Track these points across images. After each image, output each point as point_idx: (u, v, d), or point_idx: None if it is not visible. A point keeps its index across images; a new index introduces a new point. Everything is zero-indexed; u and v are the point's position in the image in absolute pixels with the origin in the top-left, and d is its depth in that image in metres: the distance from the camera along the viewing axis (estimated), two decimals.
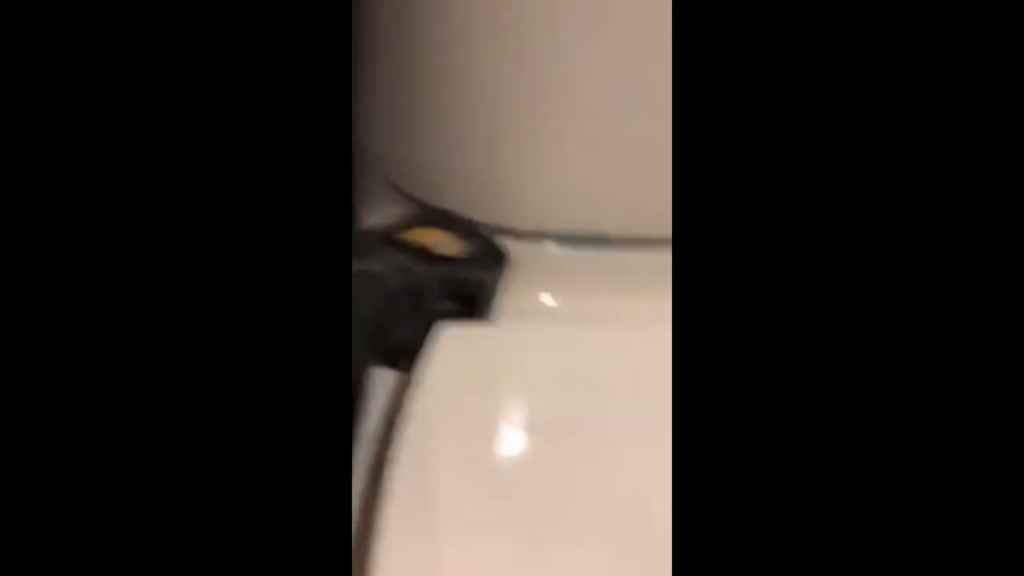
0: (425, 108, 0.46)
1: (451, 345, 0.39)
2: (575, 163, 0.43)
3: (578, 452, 0.36)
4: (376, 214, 0.53)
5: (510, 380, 0.41)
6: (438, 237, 0.42)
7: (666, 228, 0.38)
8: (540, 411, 0.39)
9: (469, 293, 0.41)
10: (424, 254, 0.41)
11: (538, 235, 0.45)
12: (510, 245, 0.44)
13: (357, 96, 0.44)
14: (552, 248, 0.45)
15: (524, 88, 0.42)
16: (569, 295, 0.45)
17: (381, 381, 0.41)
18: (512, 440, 0.39)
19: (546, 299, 0.45)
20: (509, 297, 0.43)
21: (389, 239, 0.42)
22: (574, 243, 0.45)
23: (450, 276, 0.40)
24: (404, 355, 0.39)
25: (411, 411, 0.37)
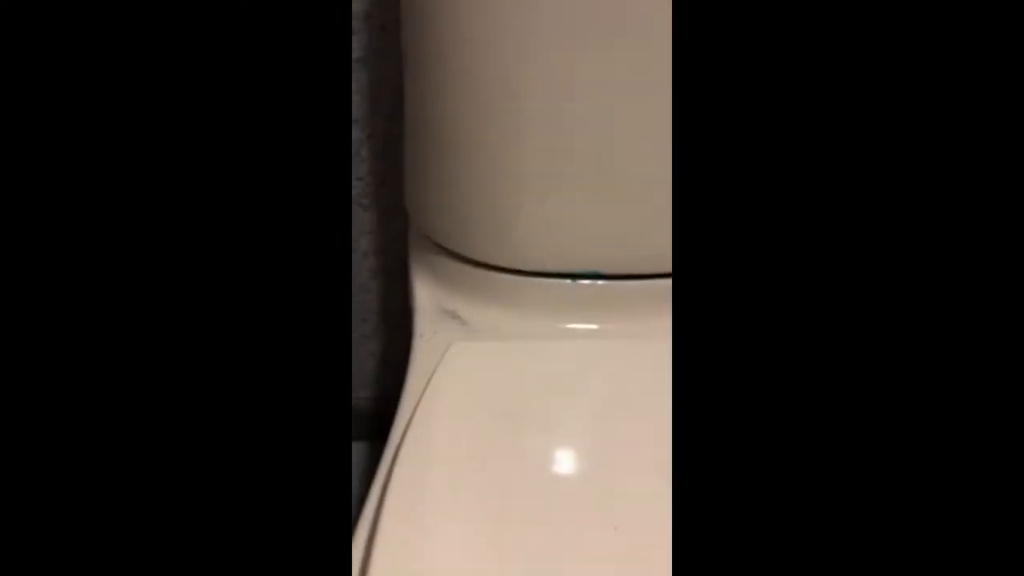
0: (443, 168, 0.53)
1: (459, 359, 0.45)
2: (577, 210, 0.51)
3: (579, 460, 0.40)
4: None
5: (515, 391, 0.46)
6: None
7: (660, 265, 0.46)
8: (544, 419, 0.44)
9: None
10: None
11: (544, 274, 0.52)
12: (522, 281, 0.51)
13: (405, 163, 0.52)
14: (556, 282, 0.52)
15: (528, 149, 0.49)
16: (571, 319, 0.52)
17: (408, 395, 0.47)
18: (514, 447, 0.42)
19: (550, 323, 0.52)
20: (519, 323, 0.50)
21: None
22: (574, 278, 0.52)
23: None
24: None
25: (416, 419, 0.42)
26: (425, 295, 0.59)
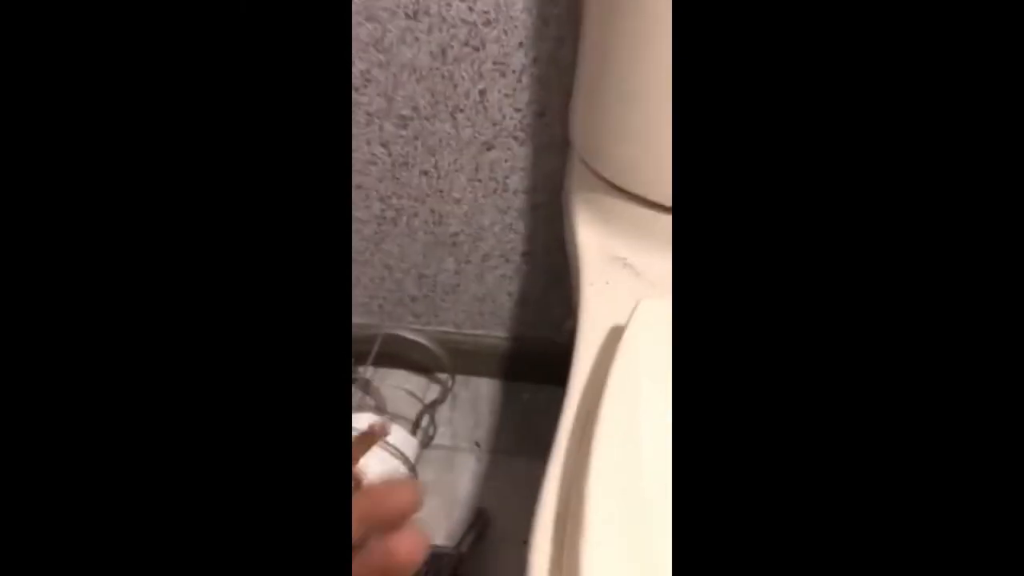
0: (624, 96, 0.47)
1: (649, 316, 0.41)
2: None
3: None
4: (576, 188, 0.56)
5: None
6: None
7: None
8: None
9: None
10: None
11: None
12: None
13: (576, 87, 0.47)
14: None
15: None
16: None
17: (586, 345, 0.43)
18: None
19: None
20: None
21: None
22: None
23: None
24: None
25: (614, 371, 0.38)
26: (589, 238, 0.54)
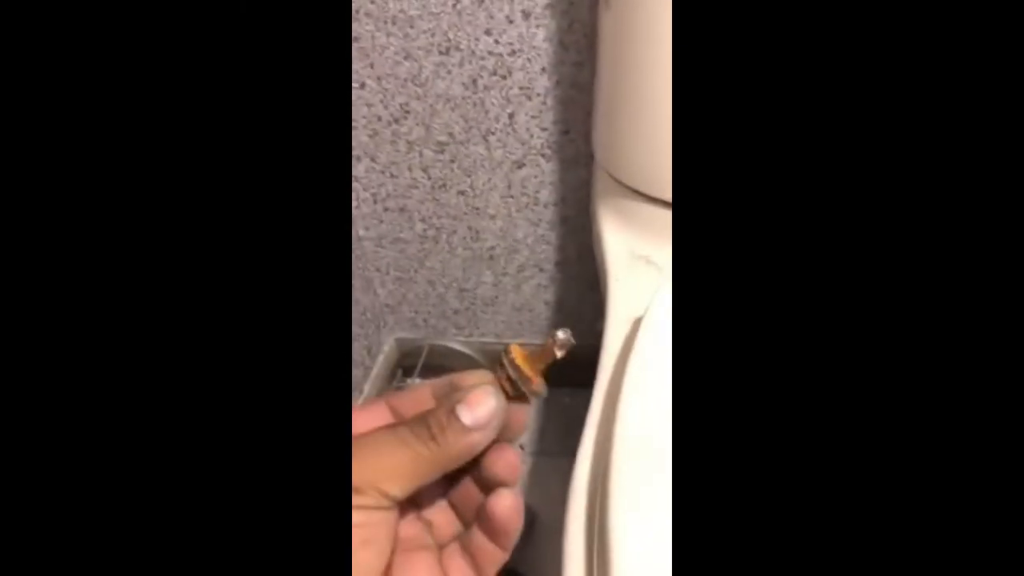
0: (638, 108, 0.52)
1: (668, 300, 0.45)
2: None
3: None
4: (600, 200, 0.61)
5: None
6: None
7: None
8: None
9: None
10: None
11: None
12: None
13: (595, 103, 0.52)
14: None
15: None
16: None
17: (613, 336, 0.48)
18: None
19: None
20: None
21: None
22: None
23: None
24: None
25: (634, 352, 0.42)
26: (614, 240, 0.59)
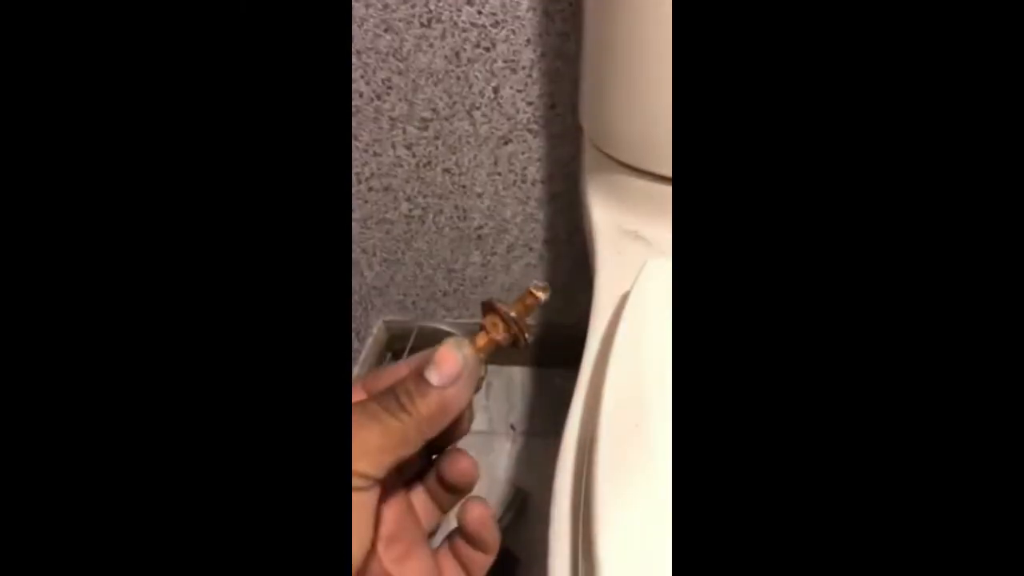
0: (626, 79, 0.50)
1: (655, 272, 0.44)
2: None
3: None
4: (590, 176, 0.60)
5: None
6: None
7: None
8: None
9: None
10: None
11: None
12: None
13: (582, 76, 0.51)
14: None
15: None
16: None
17: (600, 310, 0.47)
18: None
19: None
20: None
21: None
22: None
23: None
24: None
25: (623, 321, 0.41)
26: (603, 216, 0.57)
